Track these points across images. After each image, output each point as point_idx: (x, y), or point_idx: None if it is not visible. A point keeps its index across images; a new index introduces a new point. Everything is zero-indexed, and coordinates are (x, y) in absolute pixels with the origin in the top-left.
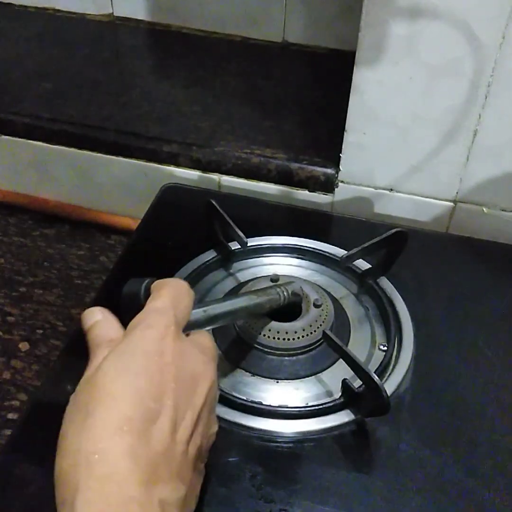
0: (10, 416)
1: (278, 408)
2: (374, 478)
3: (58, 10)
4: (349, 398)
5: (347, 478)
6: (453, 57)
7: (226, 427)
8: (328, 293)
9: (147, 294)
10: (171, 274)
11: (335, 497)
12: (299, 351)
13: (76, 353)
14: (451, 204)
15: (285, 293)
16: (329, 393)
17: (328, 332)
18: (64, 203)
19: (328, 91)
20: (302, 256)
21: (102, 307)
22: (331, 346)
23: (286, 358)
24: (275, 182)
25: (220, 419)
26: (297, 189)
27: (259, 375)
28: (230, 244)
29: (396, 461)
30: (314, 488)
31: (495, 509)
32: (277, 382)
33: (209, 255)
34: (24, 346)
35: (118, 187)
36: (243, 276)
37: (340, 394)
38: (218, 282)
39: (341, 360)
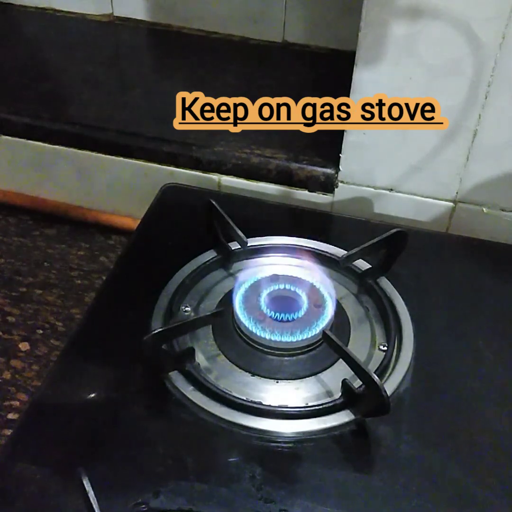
0: (10, 416)
1: (278, 408)
2: (374, 478)
3: (58, 10)
4: (349, 398)
5: (347, 478)
6: (453, 57)
7: (226, 427)
8: (328, 293)
9: None
10: (171, 274)
11: (335, 497)
12: (299, 351)
13: (76, 353)
14: (451, 204)
15: None
16: (329, 393)
17: (328, 332)
18: (64, 203)
19: (328, 91)
20: (302, 256)
21: None
22: (331, 346)
23: (286, 358)
24: (275, 182)
25: (220, 419)
26: (297, 189)
27: (259, 375)
28: (230, 244)
29: (396, 461)
30: (314, 488)
31: (494, 509)
32: (277, 382)
33: (209, 255)
34: (24, 346)
35: (118, 187)
36: (243, 276)
37: (340, 394)
38: (218, 282)
39: (341, 360)
